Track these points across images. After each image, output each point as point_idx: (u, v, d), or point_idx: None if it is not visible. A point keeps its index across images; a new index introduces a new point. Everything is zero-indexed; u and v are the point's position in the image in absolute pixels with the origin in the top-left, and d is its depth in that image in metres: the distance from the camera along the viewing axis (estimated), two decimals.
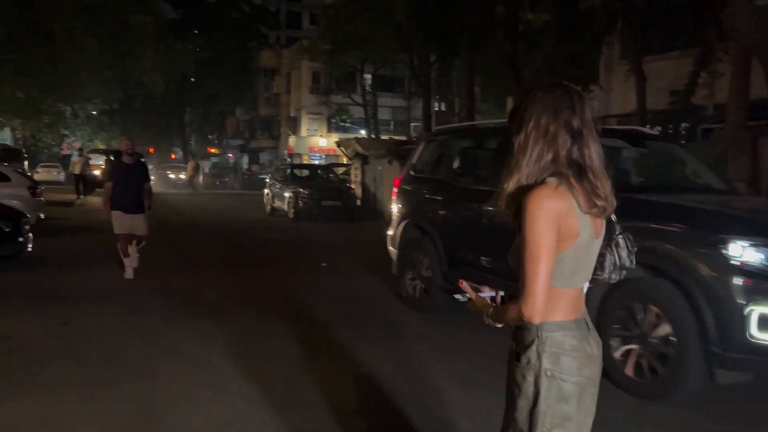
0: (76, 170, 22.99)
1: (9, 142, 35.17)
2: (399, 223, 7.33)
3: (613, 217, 1.94)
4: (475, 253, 6.09)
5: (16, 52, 29.44)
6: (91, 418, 3.85)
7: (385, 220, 17.57)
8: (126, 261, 8.10)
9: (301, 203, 17.73)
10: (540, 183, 1.78)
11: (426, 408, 4.18)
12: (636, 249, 2.02)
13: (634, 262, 2.00)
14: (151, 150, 51.55)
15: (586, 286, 1.92)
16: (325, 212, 17.71)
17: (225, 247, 12.09)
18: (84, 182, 22.90)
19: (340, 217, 17.68)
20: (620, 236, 1.99)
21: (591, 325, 1.91)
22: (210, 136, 58.05)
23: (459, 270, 6.14)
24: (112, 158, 22.52)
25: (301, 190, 17.95)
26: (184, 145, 55.13)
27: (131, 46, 36.12)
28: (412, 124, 43.10)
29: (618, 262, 1.97)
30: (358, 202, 19.72)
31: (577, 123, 1.80)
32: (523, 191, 1.78)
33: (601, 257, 1.94)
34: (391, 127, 41.76)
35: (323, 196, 17.89)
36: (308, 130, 44.51)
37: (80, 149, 26.69)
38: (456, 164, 7.00)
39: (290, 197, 18.04)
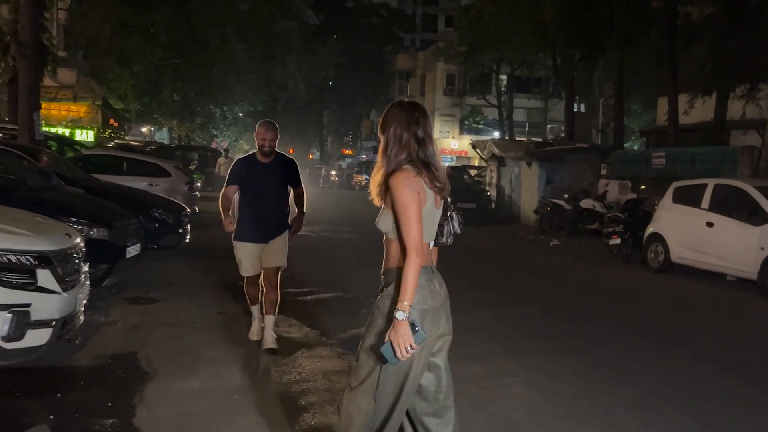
0: (222, 172, 24.20)
1: (166, 140, 38.29)
2: None
3: (449, 199, 2.67)
4: None
5: (176, 59, 31.96)
6: (247, 416, 3.91)
7: (521, 223, 17.29)
8: (254, 310, 5.32)
9: None
10: (399, 169, 2.46)
11: None
12: (464, 221, 2.77)
13: (462, 230, 2.72)
14: (291, 150, 53.96)
15: (431, 243, 2.59)
16: (460, 215, 17.44)
17: (371, 245, 12.21)
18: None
19: (473, 220, 17.32)
20: (454, 212, 2.71)
21: (435, 271, 2.60)
22: (345, 138, 59.80)
23: None
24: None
25: None
26: (321, 146, 57.17)
27: (276, 51, 38.06)
28: (549, 126, 41.71)
29: (452, 230, 2.69)
30: (493, 205, 19.29)
31: (421, 133, 2.51)
32: (388, 177, 2.47)
33: (441, 227, 2.63)
34: (526, 129, 40.67)
35: (458, 197, 17.56)
36: (440, 131, 44.39)
37: (226, 150, 28.31)
38: None
39: None
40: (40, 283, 4.12)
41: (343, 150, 59.07)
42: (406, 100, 2.65)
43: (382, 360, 2.40)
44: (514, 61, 32.90)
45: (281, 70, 38.95)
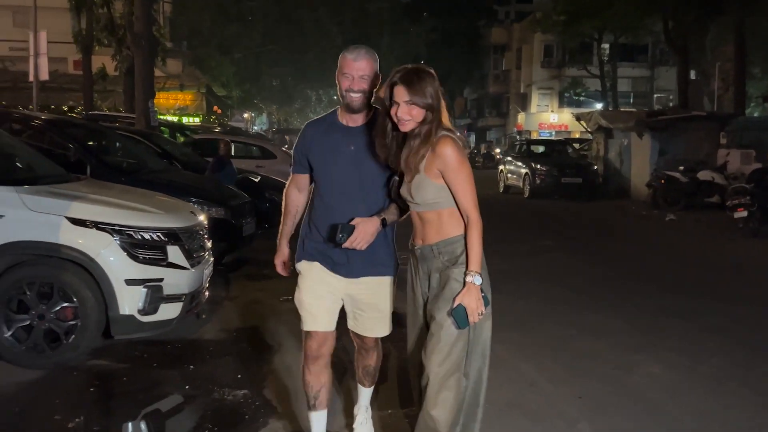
0: None
1: (266, 125, 39.48)
2: None
3: None
4: None
5: (273, 44, 32.78)
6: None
7: (632, 198, 16.41)
8: (313, 420, 2.94)
9: (538, 180, 17.06)
10: (444, 136, 2.44)
11: None
12: None
13: None
14: None
15: None
16: (564, 190, 16.78)
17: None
18: None
19: (579, 195, 16.63)
20: None
21: None
22: None
23: None
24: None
25: (539, 166, 17.25)
26: None
27: (369, 31, 38.15)
28: (656, 95, 39.40)
29: None
30: (600, 179, 18.43)
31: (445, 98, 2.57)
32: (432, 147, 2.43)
33: None
34: (631, 99, 38.63)
35: (562, 172, 16.97)
36: (538, 106, 43.03)
37: None
38: None
39: (527, 174, 17.46)
40: (171, 259, 4.26)
41: None
42: (414, 65, 2.56)
43: (455, 326, 2.39)
44: (617, 28, 31.16)
45: (374, 51, 39.06)
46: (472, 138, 56.11)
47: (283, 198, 2.94)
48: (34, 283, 3.97)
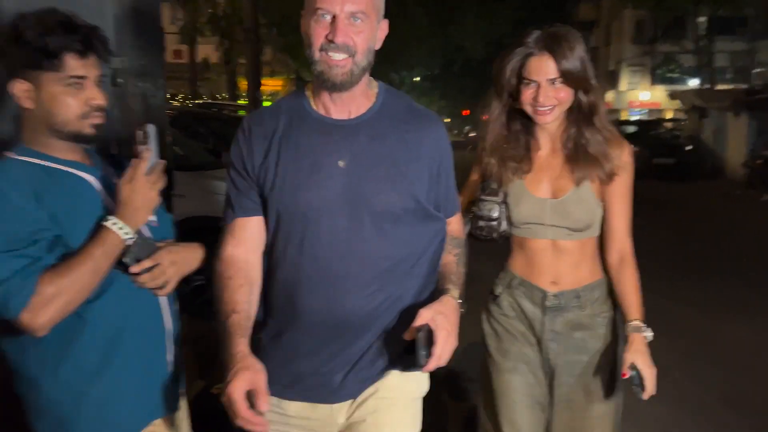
0: None
1: None
2: None
3: None
4: None
5: None
6: None
7: (727, 178, 16.07)
8: None
9: None
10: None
11: None
12: None
13: None
14: (466, 112, 53.78)
15: None
16: (656, 170, 16.66)
17: None
18: None
19: (672, 176, 16.48)
20: None
21: None
22: None
23: None
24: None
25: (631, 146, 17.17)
26: None
27: (454, 12, 38.22)
28: (756, 71, 37.41)
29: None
30: (694, 160, 18.13)
31: None
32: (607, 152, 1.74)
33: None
34: (729, 75, 36.85)
35: (654, 152, 16.84)
36: (628, 83, 41.83)
37: None
38: None
39: None
40: None
41: None
42: (553, 27, 1.72)
43: (640, 392, 1.66)
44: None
45: (459, 32, 39.09)
46: None
47: (221, 268, 1.46)
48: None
